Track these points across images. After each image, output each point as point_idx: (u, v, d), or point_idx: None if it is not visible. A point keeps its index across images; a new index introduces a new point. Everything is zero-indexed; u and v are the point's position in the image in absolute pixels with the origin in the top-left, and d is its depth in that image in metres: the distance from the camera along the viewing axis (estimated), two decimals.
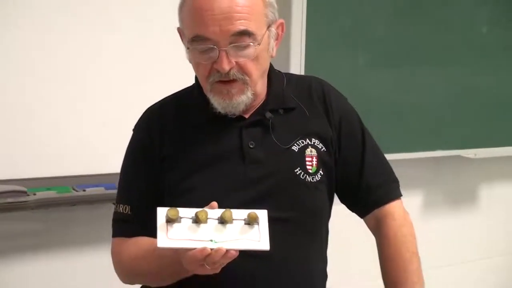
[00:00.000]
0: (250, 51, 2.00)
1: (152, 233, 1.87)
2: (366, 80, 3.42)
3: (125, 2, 2.95)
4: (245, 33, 1.98)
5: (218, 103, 2.05)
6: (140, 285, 2.21)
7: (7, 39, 2.74)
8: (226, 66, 1.97)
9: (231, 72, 1.99)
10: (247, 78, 2.02)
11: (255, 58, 2.02)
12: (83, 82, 2.84)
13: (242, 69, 2.01)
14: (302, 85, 2.25)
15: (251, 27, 1.98)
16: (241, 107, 2.07)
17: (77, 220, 2.77)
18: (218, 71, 1.99)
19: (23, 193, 2.60)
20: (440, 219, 3.95)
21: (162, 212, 1.85)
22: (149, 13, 2.66)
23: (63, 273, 2.80)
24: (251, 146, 2.10)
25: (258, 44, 2.00)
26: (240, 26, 1.97)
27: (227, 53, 1.97)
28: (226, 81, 2.01)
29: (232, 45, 1.97)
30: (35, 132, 2.71)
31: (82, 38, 2.88)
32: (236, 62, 1.99)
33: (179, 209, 1.86)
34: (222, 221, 1.87)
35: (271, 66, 2.18)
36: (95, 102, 2.81)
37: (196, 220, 1.86)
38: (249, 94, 2.05)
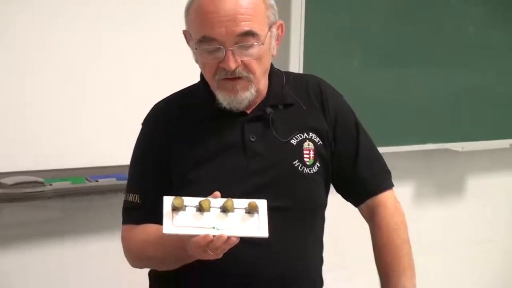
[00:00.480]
0: (254, 50, 2.01)
1: (160, 220, 1.88)
2: (361, 79, 3.43)
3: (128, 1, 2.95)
4: (249, 34, 1.98)
5: (224, 98, 2.06)
6: (148, 270, 2.21)
7: (25, 31, 2.75)
8: (232, 65, 1.98)
9: (237, 70, 2.00)
10: (251, 75, 2.03)
11: (259, 57, 2.03)
12: (98, 79, 2.84)
13: (246, 67, 2.01)
14: (300, 83, 2.25)
15: (255, 28, 1.99)
16: (245, 102, 2.07)
17: (90, 209, 2.78)
18: (224, 69, 2.00)
19: (41, 183, 2.61)
20: (430, 208, 3.96)
21: (168, 201, 1.86)
22: (153, 12, 2.65)
23: (77, 257, 2.81)
24: (252, 140, 2.11)
25: (262, 44, 2.01)
26: (245, 27, 1.97)
27: (233, 53, 1.98)
28: (232, 78, 2.02)
29: (238, 45, 1.98)
30: (52, 127, 2.70)
31: (101, 33, 2.89)
32: (241, 61, 1.99)
33: (184, 198, 1.87)
34: (224, 209, 1.88)
35: (272, 65, 2.18)
36: (108, 99, 2.80)
37: (200, 209, 1.87)
38: (252, 90, 2.05)
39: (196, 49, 2.04)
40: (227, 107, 2.07)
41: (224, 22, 1.97)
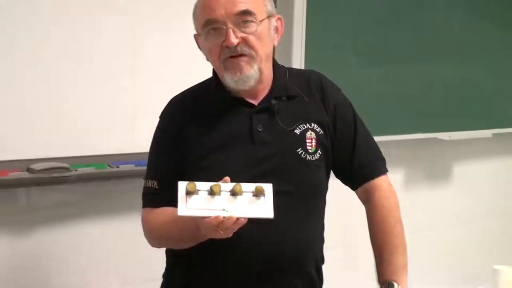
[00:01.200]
0: (252, 26, 2.04)
1: (175, 204, 1.89)
2: (358, 74, 3.43)
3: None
4: (246, 12, 2.02)
5: (231, 78, 2.07)
6: (165, 248, 2.22)
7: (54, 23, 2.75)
8: (233, 40, 2.00)
9: (238, 47, 2.02)
10: (253, 52, 2.04)
11: (258, 37, 2.05)
12: (121, 75, 2.83)
13: (247, 43, 2.03)
14: (302, 77, 2.26)
15: (251, 8, 2.04)
16: (251, 81, 2.07)
17: (111, 192, 2.78)
18: (227, 47, 2.02)
19: (66, 169, 2.61)
20: (420, 192, 3.95)
21: (182, 186, 1.86)
22: (175, 13, 2.61)
23: (98, 237, 2.81)
24: (259, 129, 2.11)
25: (259, 22, 2.04)
26: (242, 7, 2.02)
27: (233, 30, 2.01)
28: (235, 56, 2.03)
29: (237, 24, 2.02)
30: (77, 118, 2.70)
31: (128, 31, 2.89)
32: (242, 38, 2.02)
33: (197, 183, 1.87)
34: (233, 193, 1.88)
35: (275, 61, 2.19)
36: (130, 94, 2.81)
37: (211, 193, 1.87)
38: (255, 68, 2.06)
39: (204, 38, 2.07)
40: (235, 87, 2.08)
41: (223, 5, 2.02)
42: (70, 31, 2.74)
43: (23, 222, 2.65)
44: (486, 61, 4.13)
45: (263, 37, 2.06)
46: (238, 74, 2.05)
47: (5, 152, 2.53)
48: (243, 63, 2.04)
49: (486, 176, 4.35)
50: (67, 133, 2.67)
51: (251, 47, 2.03)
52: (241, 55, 2.03)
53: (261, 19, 2.05)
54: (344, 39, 3.45)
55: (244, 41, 2.02)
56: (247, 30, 2.03)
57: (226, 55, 2.04)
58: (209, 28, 2.04)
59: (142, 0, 2.90)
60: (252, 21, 2.03)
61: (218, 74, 2.11)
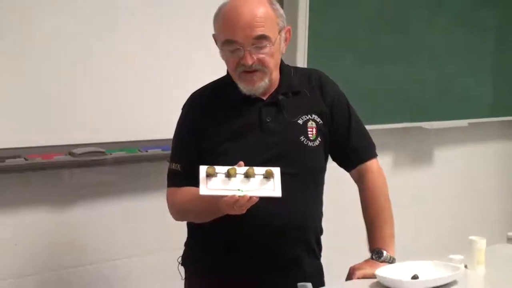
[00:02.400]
0: (267, 50, 2.03)
1: (196, 184, 1.93)
2: (353, 72, 3.42)
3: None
4: (262, 37, 2.01)
5: (243, 87, 2.08)
6: (186, 222, 2.23)
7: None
8: (249, 61, 2.01)
9: (253, 65, 2.03)
10: (265, 69, 2.05)
11: (271, 55, 2.05)
12: (153, 77, 2.82)
13: (261, 62, 2.03)
14: (304, 75, 2.26)
15: (267, 32, 2.02)
16: (261, 90, 2.10)
17: (141, 174, 2.78)
18: (243, 65, 2.03)
19: (103, 153, 2.62)
20: (405, 173, 3.95)
21: (203, 169, 1.89)
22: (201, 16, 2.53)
23: (130, 212, 2.81)
24: (268, 120, 2.12)
25: (272, 45, 2.03)
26: (259, 32, 2.00)
27: (250, 52, 2.01)
28: (249, 71, 2.04)
29: (253, 46, 2.01)
30: (112, 110, 2.70)
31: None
32: (257, 58, 2.02)
33: (215, 167, 1.90)
34: (247, 175, 1.91)
35: (282, 61, 2.19)
36: (156, 91, 2.80)
37: (228, 175, 1.90)
38: (266, 80, 2.08)
39: (222, 49, 2.07)
40: (247, 93, 2.09)
41: (242, 28, 2.00)
42: (109, 29, 2.72)
43: (66, 198, 2.65)
44: (463, 61, 4.13)
45: (275, 54, 2.07)
46: (250, 86, 2.07)
47: (51, 139, 2.53)
48: (255, 78, 2.05)
49: (463, 160, 4.35)
50: (103, 122, 2.67)
51: (264, 65, 2.04)
52: (255, 70, 2.04)
53: (274, 41, 2.04)
54: (342, 42, 3.45)
55: (259, 60, 2.03)
56: (262, 51, 2.02)
57: (241, 69, 2.05)
58: (230, 46, 2.03)
59: None
60: (266, 45, 2.02)
61: (233, 79, 2.11)
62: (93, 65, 2.66)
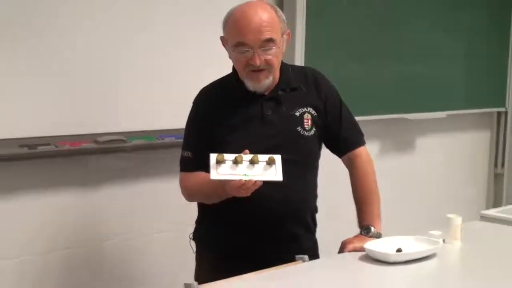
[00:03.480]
0: (273, 51, 2.04)
1: (205, 169, 1.95)
2: (345, 69, 3.41)
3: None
4: (269, 40, 2.02)
5: (250, 84, 2.09)
6: (197, 202, 2.24)
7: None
8: (258, 62, 2.02)
9: (261, 65, 2.03)
10: (270, 68, 2.06)
11: (276, 56, 2.06)
12: (173, 73, 2.82)
13: (267, 62, 2.05)
14: (301, 73, 2.26)
15: (273, 36, 2.03)
16: (265, 87, 2.11)
17: (157, 159, 2.78)
18: (252, 65, 2.04)
19: (124, 141, 2.62)
20: (390, 159, 3.94)
21: (213, 157, 1.90)
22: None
23: (147, 194, 2.81)
24: (268, 113, 2.13)
25: (277, 47, 2.05)
26: (267, 36, 2.02)
27: (258, 54, 2.02)
28: (257, 70, 2.05)
29: (261, 48, 2.02)
30: (135, 102, 2.70)
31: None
32: (264, 59, 2.03)
33: (224, 154, 1.91)
34: (252, 162, 1.92)
35: (282, 61, 2.18)
36: (172, 87, 2.79)
37: (235, 162, 1.91)
38: (271, 78, 2.09)
39: (232, 51, 2.07)
40: (253, 90, 2.10)
41: (252, 33, 2.00)
42: (133, 27, 2.71)
43: (90, 181, 2.66)
44: (441, 59, 4.12)
45: (279, 54, 2.08)
46: (257, 83, 2.08)
47: (78, 128, 2.54)
48: (262, 76, 2.06)
49: (441, 148, 4.35)
50: (124, 113, 2.67)
51: (269, 65, 2.05)
52: (262, 69, 2.05)
53: (279, 43, 2.05)
54: (335, 43, 3.44)
55: (265, 61, 2.03)
56: (269, 52, 2.03)
57: (250, 69, 2.05)
58: (240, 48, 2.04)
59: None
60: (273, 47, 2.03)
61: (240, 77, 2.11)
62: (118, 64, 2.65)
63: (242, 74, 2.10)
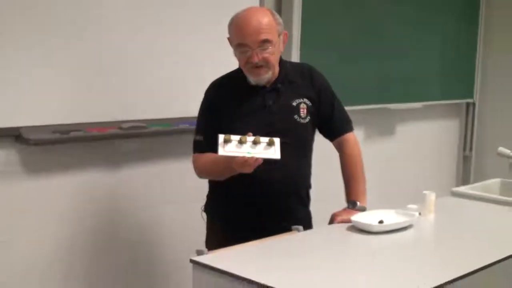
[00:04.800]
0: (269, 50, 2.04)
1: (214, 151, 1.94)
2: (335, 65, 3.37)
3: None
4: (266, 41, 2.03)
5: (252, 78, 2.10)
6: (208, 180, 2.24)
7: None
8: (255, 60, 2.03)
9: (259, 63, 2.04)
10: (268, 64, 2.06)
11: (272, 54, 2.06)
12: (185, 64, 2.77)
13: (265, 60, 2.04)
14: (298, 68, 2.26)
15: (270, 37, 2.03)
16: (265, 81, 2.11)
17: (173, 143, 2.76)
18: (251, 62, 2.04)
19: (144, 127, 2.61)
20: (374, 144, 3.93)
21: (221, 136, 1.91)
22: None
23: (164, 172, 2.80)
24: (270, 103, 2.13)
25: (273, 47, 2.05)
26: (263, 36, 2.02)
27: (256, 53, 2.02)
28: (256, 67, 2.05)
29: (259, 48, 2.02)
30: (153, 91, 2.67)
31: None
32: (262, 57, 2.03)
33: (231, 135, 1.91)
34: (254, 142, 1.93)
35: (280, 57, 2.18)
36: (188, 81, 2.76)
37: (240, 142, 1.92)
38: (269, 73, 2.09)
39: (235, 50, 2.08)
40: (254, 83, 2.11)
41: (251, 34, 2.02)
42: (151, 21, 2.66)
43: (115, 162, 2.65)
44: (418, 57, 4.10)
45: (275, 53, 2.08)
46: (257, 77, 2.09)
47: (104, 116, 2.53)
48: (261, 72, 2.07)
49: (418, 134, 4.34)
50: (145, 103, 2.65)
51: (267, 62, 2.05)
52: (260, 66, 2.05)
53: (275, 43, 2.05)
54: (328, 42, 3.42)
55: (263, 58, 2.03)
56: (266, 51, 2.04)
57: (249, 65, 2.06)
58: (241, 48, 2.05)
59: None
60: (269, 47, 2.03)
61: (244, 72, 2.12)
62: (140, 60, 2.62)
63: (244, 70, 2.10)
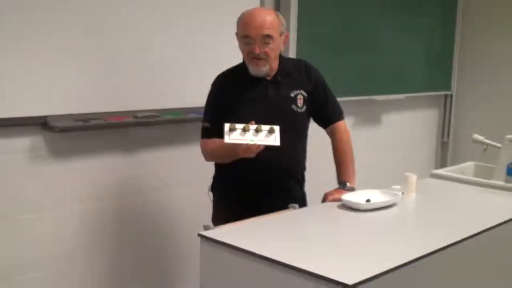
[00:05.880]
0: (270, 45, 2.04)
1: (220, 136, 1.95)
2: (327, 61, 3.34)
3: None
4: (268, 36, 2.02)
5: (252, 69, 2.09)
6: (214, 162, 2.24)
7: None
8: (257, 51, 2.03)
9: (260, 54, 2.03)
10: (268, 57, 2.06)
11: (272, 49, 2.06)
12: (195, 58, 2.74)
13: (265, 53, 2.04)
14: (295, 63, 2.26)
15: (271, 33, 2.03)
16: (263, 73, 2.10)
17: (184, 130, 2.75)
18: (253, 53, 2.04)
19: (157, 116, 2.60)
20: (362, 131, 3.92)
21: (227, 125, 1.90)
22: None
23: (174, 156, 2.78)
24: (270, 94, 2.12)
25: (274, 43, 2.04)
26: (266, 32, 2.02)
27: (258, 45, 2.02)
28: (257, 58, 2.05)
29: (261, 42, 2.02)
30: (165, 85, 2.66)
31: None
32: (263, 50, 2.03)
33: (235, 124, 1.91)
34: (257, 130, 1.92)
35: (280, 53, 2.18)
36: (196, 70, 2.73)
37: (244, 130, 1.91)
38: (268, 66, 2.08)
39: (240, 41, 2.08)
40: (253, 74, 2.10)
41: (255, 28, 2.02)
42: (163, 19, 2.62)
43: (131, 148, 2.65)
44: (403, 53, 4.08)
45: (275, 48, 2.07)
46: (256, 68, 2.08)
47: (121, 106, 2.52)
48: (260, 63, 2.06)
49: (401, 123, 4.32)
50: (158, 94, 2.63)
51: (267, 55, 2.04)
52: (260, 58, 2.05)
53: (276, 39, 2.05)
54: (321, 39, 3.40)
55: (264, 51, 2.03)
56: (267, 46, 2.04)
57: (251, 56, 2.05)
58: (245, 40, 2.05)
59: None
60: (270, 42, 2.03)
61: (246, 63, 2.11)
62: (153, 55, 2.61)
63: (246, 61, 2.10)
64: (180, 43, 2.69)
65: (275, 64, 2.13)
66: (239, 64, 2.20)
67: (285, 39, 2.14)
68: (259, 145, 1.90)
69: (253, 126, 1.92)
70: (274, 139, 1.92)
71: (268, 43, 2.03)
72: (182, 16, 2.69)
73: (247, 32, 2.03)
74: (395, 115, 4.26)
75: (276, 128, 1.94)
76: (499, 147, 2.61)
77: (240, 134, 1.90)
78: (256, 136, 1.91)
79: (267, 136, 1.92)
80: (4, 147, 2.24)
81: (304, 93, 2.17)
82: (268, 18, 2.04)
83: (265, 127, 1.93)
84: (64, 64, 2.33)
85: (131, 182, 2.68)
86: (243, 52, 2.10)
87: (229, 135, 1.89)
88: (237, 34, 2.11)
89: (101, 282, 2.60)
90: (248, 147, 1.89)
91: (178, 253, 2.85)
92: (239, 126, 1.91)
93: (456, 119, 4.69)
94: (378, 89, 3.94)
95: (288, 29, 3.04)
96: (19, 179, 2.30)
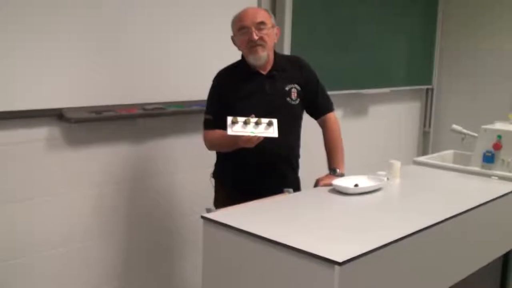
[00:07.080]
0: (265, 31, 2.05)
1: (221, 128, 1.95)
2: (319, 57, 3.30)
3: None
4: (262, 23, 2.03)
5: (252, 58, 2.07)
6: (216, 152, 2.24)
7: None
8: (255, 37, 2.03)
9: (257, 41, 2.03)
10: (264, 43, 2.05)
11: (267, 35, 2.05)
12: (199, 54, 2.71)
13: (262, 39, 2.04)
14: (290, 59, 2.25)
15: (265, 20, 2.05)
16: (262, 61, 2.08)
17: (187, 121, 2.74)
18: (251, 41, 2.03)
19: (163, 108, 2.59)
20: (350, 122, 3.90)
21: (229, 118, 1.89)
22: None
23: (179, 146, 2.77)
24: (267, 87, 2.11)
25: (268, 29, 2.04)
26: (260, 19, 2.04)
27: (254, 31, 2.02)
28: (256, 45, 2.04)
29: (256, 28, 2.03)
30: (170, 80, 2.63)
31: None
32: (259, 36, 2.03)
33: (237, 117, 1.90)
34: (257, 123, 1.91)
35: (275, 50, 2.16)
36: (199, 66, 2.70)
37: (245, 122, 1.90)
38: (266, 53, 2.07)
39: (237, 35, 2.07)
40: (253, 63, 2.07)
41: (249, 18, 2.03)
42: (169, 19, 2.59)
43: (140, 137, 2.63)
44: (388, 51, 4.05)
45: (270, 35, 2.06)
46: (255, 55, 2.05)
47: (131, 99, 2.50)
48: (259, 49, 2.04)
49: (386, 114, 4.32)
50: (164, 88, 2.61)
51: (263, 41, 2.03)
52: (258, 45, 2.03)
53: (269, 27, 2.05)
54: (313, 37, 3.37)
55: (260, 37, 2.02)
56: (262, 31, 2.03)
57: (250, 45, 2.03)
58: (242, 30, 2.03)
59: None
60: (265, 28, 2.03)
61: (244, 56, 2.09)
62: (159, 51, 2.58)
63: (245, 53, 2.08)
64: (184, 42, 2.67)
65: (271, 55, 2.12)
66: (237, 61, 2.18)
67: (278, 32, 2.14)
68: (259, 137, 1.89)
69: (253, 119, 1.91)
70: (273, 131, 1.91)
71: (263, 29, 2.04)
72: (186, 18, 2.67)
73: (243, 23, 2.03)
74: (380, 107, 4.24)
75: (274, 121, 1.93)
76: (475, 136, 2.61)
77: (242, 126, 1.90)
78: (256, 129, 1.90)
79: (266, 129, 1.92)
80: (23, 137, 2.24)
81: (298, 87, 2.16)
82: (259, 10, 2.10)
83: (265, 120, 1.93)
84: (78, 61, 2.31)
85: (140, 168, 2.67)
86: (241, 44, 2.08)
87: (231, 127, 1.88)
88: (233, 34, 2.10)
89: (113, 260, 2.60)
90: (249, 138, 1.88)
91: (183, 233, 2.85)
92: (241, 119, 1.90)
93: (436, 111, 4.68)
94: (365, 83, 3.92)
95: (282, 28, 3.04)
96: (37, 165, 2.29)
